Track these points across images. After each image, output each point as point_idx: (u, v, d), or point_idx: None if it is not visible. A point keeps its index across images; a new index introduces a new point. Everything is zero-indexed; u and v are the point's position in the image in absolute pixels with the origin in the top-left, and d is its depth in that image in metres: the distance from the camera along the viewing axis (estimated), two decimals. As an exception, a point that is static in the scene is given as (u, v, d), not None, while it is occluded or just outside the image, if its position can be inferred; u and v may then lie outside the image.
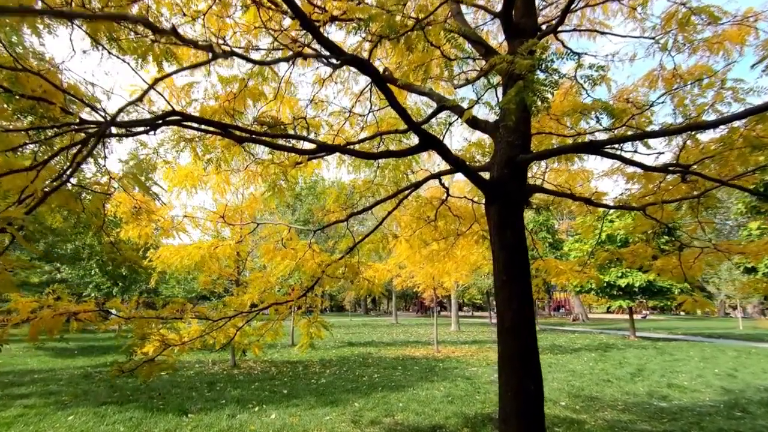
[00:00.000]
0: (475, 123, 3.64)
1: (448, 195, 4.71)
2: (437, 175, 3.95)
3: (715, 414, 7.47)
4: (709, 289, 34.49)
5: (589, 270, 6.08)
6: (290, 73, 4.38)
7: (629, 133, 3.74)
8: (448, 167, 4.58)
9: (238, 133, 2.77)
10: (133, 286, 24.30)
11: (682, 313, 67.02)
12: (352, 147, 3.68)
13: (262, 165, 4.23)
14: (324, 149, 3.15)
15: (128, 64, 3.18)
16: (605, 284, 20.23)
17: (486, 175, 3.68)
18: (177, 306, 3.70)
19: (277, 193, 4.47)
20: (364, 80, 5.72)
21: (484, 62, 4.83)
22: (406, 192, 4.16)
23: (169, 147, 4.22)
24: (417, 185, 4.04)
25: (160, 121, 2.45)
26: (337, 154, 6.49)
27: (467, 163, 3.87)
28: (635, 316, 23.70)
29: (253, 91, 4.34)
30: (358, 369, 11.92)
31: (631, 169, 6.45)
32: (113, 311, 3.84)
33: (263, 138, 2.90)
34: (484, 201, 3.45)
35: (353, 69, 6.03)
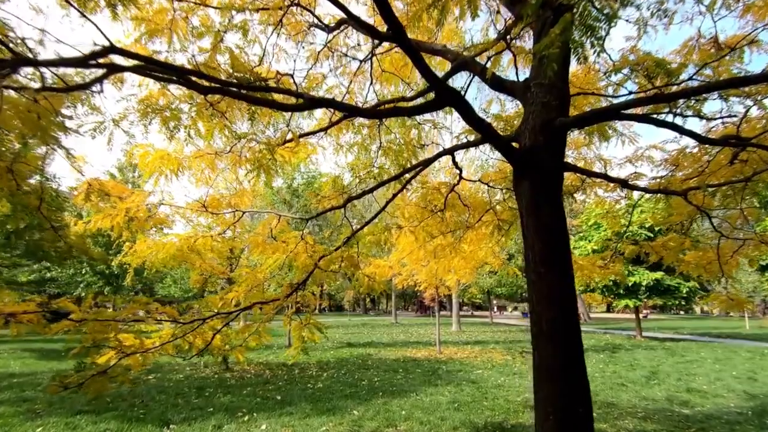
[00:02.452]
0: (499, 84, 3.03)
1: (461, 177, 4.10)
2: (450, 150, 3.34)
3: (745, 423, 6.88)
4: (713, 288, 33.96)
5: (614, 266, 5.47)
6: (277, 35, 3.76)
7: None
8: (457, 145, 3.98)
9: (206, 83, 2.16)
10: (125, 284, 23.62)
11: (681, 312, 66.69)
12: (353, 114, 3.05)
13: (242, 139, 3.60)
14: (313, 103, 2.54)
15: (72, 3, 2.55)
16: (611, 283, 19.63)
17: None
18: (139, 306, 3.08)
19: (263, 174, 3.85)
20: (362, 55, 5.07)
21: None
22: (414, 172, 3.54)
23: (135, 120, 3.60)
24: (427, 162, 3.43)
25: (94, 62, 1.84)
26: (333, 139, 5.89)
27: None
28: (633, 315, 23.21)
29: (237, 60, 3.72)
30: (357, 372, 11.31)
31: (659, 155, 5.83)
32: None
33: (235, 90, 2.29)
34: (512, 176, 2.84)
35: (350, 43, 5.42)
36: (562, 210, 2.62)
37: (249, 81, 2.30)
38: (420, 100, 4.62)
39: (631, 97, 3.02)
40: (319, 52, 5.01)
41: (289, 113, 3.68)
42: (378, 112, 2.96)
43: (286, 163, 5.90)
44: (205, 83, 2.20)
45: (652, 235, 18.56)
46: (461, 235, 6.20)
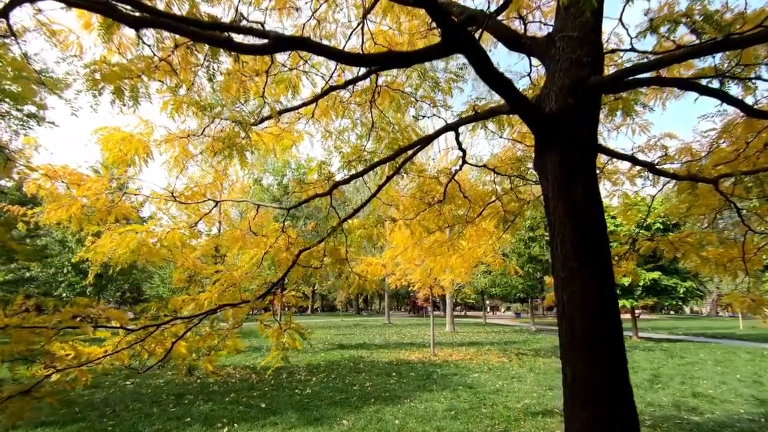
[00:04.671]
0: (515, 40, 2.53)
1: (465, 161, 3.59)
2: (455, 126, 2.84)
3: (759, 431, 6.47)
4: (707, 287, 33.91)
5: (627, 264, 5.01)
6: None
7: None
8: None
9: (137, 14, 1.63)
10: (110, 285, 22.84)
11: (672, 312, 66.99)
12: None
13: (210, 114, 3.05)
14: (281, 44, 1.99)
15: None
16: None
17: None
18: (77, 309, 2.53)
19: (236, 156, 3.31)
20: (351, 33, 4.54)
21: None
22: (411, 152, 3.03)
23: (83, 89, 3.04)
24: (426, 140, 2.93)
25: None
26: (322, 126, 5.36)
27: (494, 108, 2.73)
28: (628, 315, 22.87)
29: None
30: (348, 376, 10.78)
31: (673, 143, 5.37)
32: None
33: (172, 22, 1.75)
34: (534, 148, 2.33)
35: (340, 18, 4.89)
36: (598, 189, 2.13)
37: (199, 19, 1.78)
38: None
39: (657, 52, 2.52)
40: (304, 24, 4.48)
41: (263, 84, 3.15)
42: (367, 58, 2.43)
43: (268, 150, 5.36)
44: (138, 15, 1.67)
45: (648, 234, 18.26)
46: (460, 231, 5.71)
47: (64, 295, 20.96)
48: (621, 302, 20.67)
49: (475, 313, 63.66)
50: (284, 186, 19.71)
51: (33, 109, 11.81)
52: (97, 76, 2.85)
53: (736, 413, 7.48)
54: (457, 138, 3.14)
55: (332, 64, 4.86)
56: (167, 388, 9.23)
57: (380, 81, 4.71)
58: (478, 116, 2.82)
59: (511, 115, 3.25)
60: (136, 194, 4.50)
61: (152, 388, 9.24)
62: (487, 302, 54.37)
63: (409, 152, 3.16)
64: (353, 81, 3.20)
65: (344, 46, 4.64)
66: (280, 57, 3.68)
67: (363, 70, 3.46)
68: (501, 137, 3.73)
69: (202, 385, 9.58)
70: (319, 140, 5.02)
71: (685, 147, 4.60)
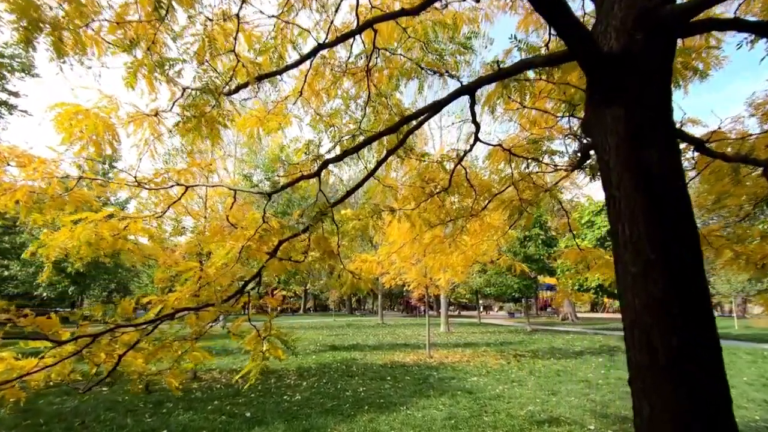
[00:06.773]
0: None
1: (477, 138, 3.06)
2: (471, 88, 2.31)
3: (781, 440, 6.05)
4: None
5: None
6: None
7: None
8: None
9: None
10: (93, 284, 21.99)
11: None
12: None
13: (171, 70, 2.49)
14: None
15: None
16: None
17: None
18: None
19: (204, 129, 2.75)
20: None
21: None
22: (418, 121, 2.50)
23: (11, 41, 2.47)
24: (437, 106, 2.38)
25: None
26: (313, 109, 4.82)
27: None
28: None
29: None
30: (341, 380, 10.23)
31: (699, 132, 4.87)
32: None
33: None
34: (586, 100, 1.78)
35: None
36: (679, 153, 1.61)
37: None
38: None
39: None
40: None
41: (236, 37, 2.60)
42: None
43: (252, 135, 4.82)
44: None
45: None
46: (463, 225, 5.20)
47: (44, 295, 20.09)
48: (618, 302, 20.37)
49: (468, 312, 63.41)
50: (275, 183, 19.11)
51: (4, 96, 11.07)
52: (24, 23, 2.28)
53: (752, 420, 7.06)
54: (472, 107, 2.58)
55: (322, 34, 4.30)
56: (146, 395, 8.61)
57: (377, 60, 4.18)
58: (502, 74, 2.27)
59: (540, 77, 2.71)
60: (92, 179, 3.90)
61: (130, 395, 8.62)
62: (481, 302, 53.99)
63: (414, 122, 2.63)
64: (346, 36, 2.67)
65: (337, 8, 4.08)
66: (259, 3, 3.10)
67: (356, 25, 2.91)
68: (523, 107, 3.19)
69: (184, 391, 8.96)
70: (309, 124, 4.47)
71: (715, 131, 4.11)
